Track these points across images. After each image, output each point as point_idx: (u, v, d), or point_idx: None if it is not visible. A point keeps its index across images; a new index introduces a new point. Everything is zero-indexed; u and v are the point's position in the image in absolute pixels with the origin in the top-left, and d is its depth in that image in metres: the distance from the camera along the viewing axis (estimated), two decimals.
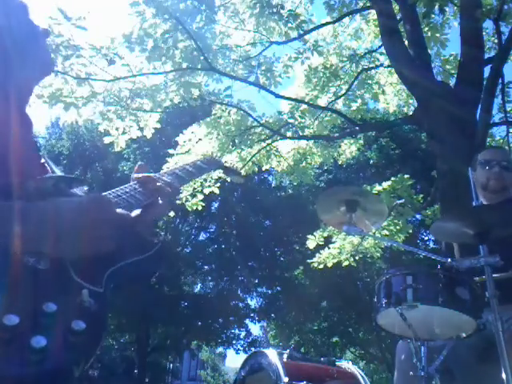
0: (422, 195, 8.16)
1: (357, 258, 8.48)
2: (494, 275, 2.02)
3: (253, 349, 17.94)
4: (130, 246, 1.06)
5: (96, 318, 0.89)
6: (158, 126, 7.47)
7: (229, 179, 1.91)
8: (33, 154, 1.19)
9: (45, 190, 1.07)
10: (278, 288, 19.14)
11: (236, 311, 19.19)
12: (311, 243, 8.31)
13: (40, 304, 0.83)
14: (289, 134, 7.51)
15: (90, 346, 0.87)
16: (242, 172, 7.68)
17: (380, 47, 7.64)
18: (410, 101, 8.69)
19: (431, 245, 15.72)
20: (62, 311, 0.84)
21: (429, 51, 6.49)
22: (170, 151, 7.87)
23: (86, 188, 1.13)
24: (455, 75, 6.08)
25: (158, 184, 1.25)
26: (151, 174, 1.29)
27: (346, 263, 8.21)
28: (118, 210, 1.05)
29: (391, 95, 8.91)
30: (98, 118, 7.15)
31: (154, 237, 1.15)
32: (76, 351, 0.83)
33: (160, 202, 1.21)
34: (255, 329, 38.43)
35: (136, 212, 1.21)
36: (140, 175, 1.29)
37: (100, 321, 0.91)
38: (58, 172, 1.25)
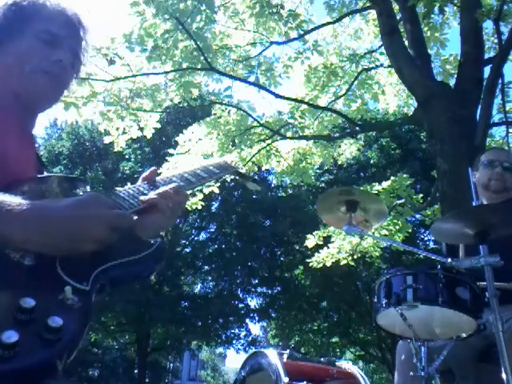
0: (421, 195, 8.17)
1: (355, 257, 8.49)
2: (496, 284, 2.02)
3: (253, 348, 17.95)
4: (124, 247, 1.04)
5: (78, 315, 0.88)
6: (158, 125, 7.48)
7: (249, 186, 1.74)
8: (33, 166, 1.18)
9: (46, 190, 1.06)
10: (278, 288, 19.13)
11: (236, 311, 19.18)
12: (310, 242, 8.32)
13: (17, 299, 0.82)
14: (289, 134, 7.51)
15: (70, 342, 0.85)
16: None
17: (380, 47, 7.64)
18: (410, 101, 8.69)
19: (431, 245, 15.73)
20: (40, 307, 0.83)
21: (429, 51, 6.49)
22: (170, 151, 7.88)
23: (88, 189, 1.12)
24: (455, 75, 6.08)
25: (164, 187, 1.20)
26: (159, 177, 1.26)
27: (343, 262, 8.22)
28: (115, 211, 1.03)
29: (391, 95, 8.91)
30: (98, 118, 7.15)
31: (152, 238, 1.12)
32: (53, 347, 0.82)
33: (164, 206, 1.16)
34: (255, 329, 38.46)
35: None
36: (147, 175, 1.26)
37: (82, 318, 0.89)
38: None
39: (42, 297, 0.85)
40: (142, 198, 1.17)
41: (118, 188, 1.17)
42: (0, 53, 1.17)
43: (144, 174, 1.27)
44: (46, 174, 1.23)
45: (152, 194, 1.18)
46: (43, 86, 1.18)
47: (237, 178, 1.62)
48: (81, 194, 1.10)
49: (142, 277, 1.12)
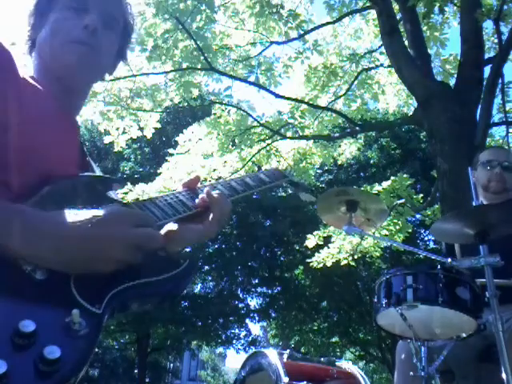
0: (421, 195, 8.17)
1: (355, 257, 8.49)
2: (495, 280, 2.01)
3: (253, 348, 17.96)
4: (148, 265, 0.91)
5: (82, 343, 0.77)
6: (158, 125, 7.48)
7: (302, 197, 1.55)
8: (73, 159, 1.09)
9: (77, 191, 0.98)
10: (278, 288, 19.13)
11: (236, 311, 19.18)
12: (310, 242, 8.31)
13: (18, 319, 0.73)
14: (289, 133, 7.52)
15: (69, 373, 0.74)
16: (242, 172, 7.69)
17: (380, 47, 7.64)
18: (410, 101, 8.70)
19: (431, 245, 15.72)
20: (41, 332, 0.73)
21: (429, 51, 6.49)
22: (170, 151, 7.88)
23: (119, 189, 1.03)
24: (455, 75, 6.08)
25: (205, 195, 1.07)
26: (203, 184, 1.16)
27: (344, 262, 8.22)
28: (141, 230, 0.89)
29: (391, 95, 8.91)
30: (98, 118, 7.16)
31: (180, 255, 1.02)
32: (49, 379, 0.72)
33: (205, 216, 1.05)
34: (255, 329, 38.47)
35: (170, 226, 1.07)
36: (189, 181, 1.15)
37: (86, 347, 0.78)
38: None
39: (46, 318, 0.77)
40: (198, 200, 1.06)
41: (149, 194, 1.09)
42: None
43: (185, 181, 1.16)
44: (89, 163, 1.15)
45: (203, 197, 1.07)
46: (74, 57, 1.05)
47: (290, 187, 1.50)
48: (113, 197, 1.02)
49: (163, 299, 0.98)
